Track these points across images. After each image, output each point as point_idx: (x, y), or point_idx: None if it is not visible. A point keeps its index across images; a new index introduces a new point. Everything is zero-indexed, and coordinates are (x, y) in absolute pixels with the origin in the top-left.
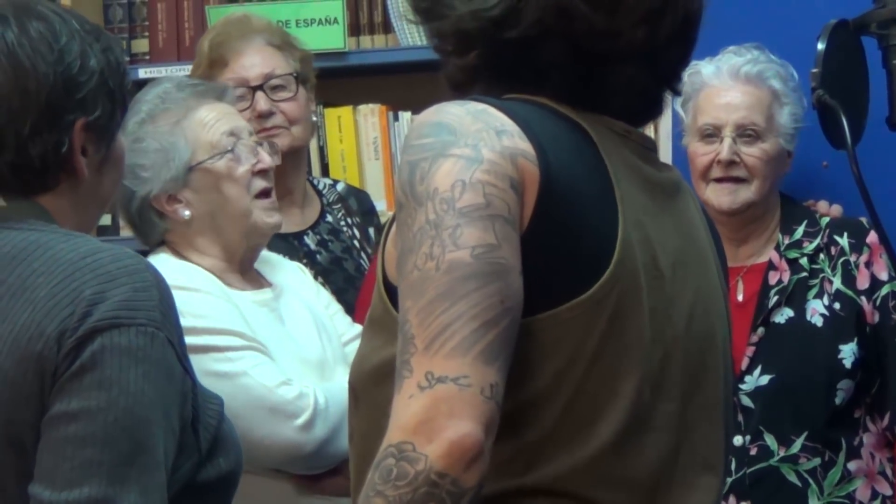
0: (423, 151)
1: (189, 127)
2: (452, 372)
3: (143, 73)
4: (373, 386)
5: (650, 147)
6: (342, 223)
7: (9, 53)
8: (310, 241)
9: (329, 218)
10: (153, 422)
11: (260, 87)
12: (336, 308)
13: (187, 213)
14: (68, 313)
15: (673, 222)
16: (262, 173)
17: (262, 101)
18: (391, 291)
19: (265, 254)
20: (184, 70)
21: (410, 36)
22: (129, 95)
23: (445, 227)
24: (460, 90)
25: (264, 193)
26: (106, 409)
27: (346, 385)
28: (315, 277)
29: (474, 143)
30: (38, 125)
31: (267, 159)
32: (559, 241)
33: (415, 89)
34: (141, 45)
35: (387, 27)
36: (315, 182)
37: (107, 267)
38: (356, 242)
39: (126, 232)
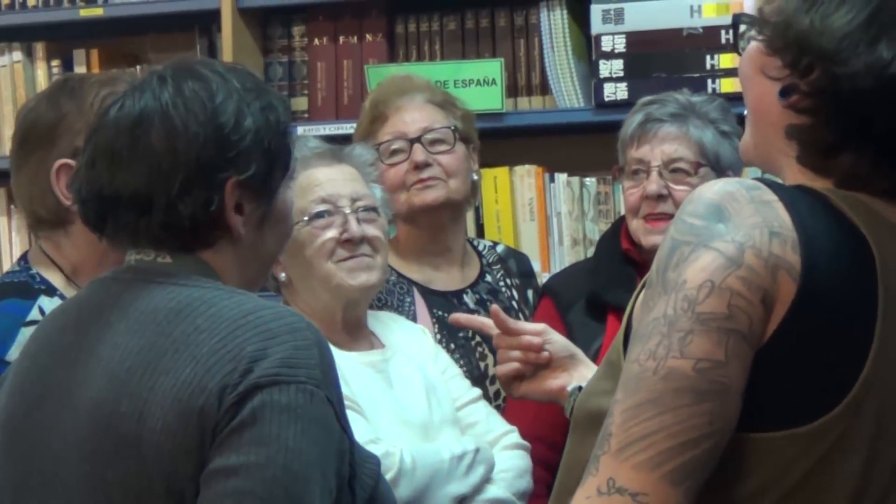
0: (689, 234)
1: None
2: (634, 486)
3: (301, 130)
4: (586, 425)
5: None
6: (501, 284)
7: (162, 114)
8: (469, 299)
9: (488, 278)
10: (311, 479)
11: (418, 140)
12: (455, 372)
13: (283, 275)
14: (230, 369)
15: None
16: (347, 243)
17: (418, 152)
18: (628, 339)
19: (385, 315)
20: (342, 128)
21: (568, 98)
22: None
23: (678, 328)
24: (823, 157)
25: (350, 257)
26: (264, 466)
27: (441, 447)
28: (472, 337)
29: (742, 241)
30: (188, 184)
31: (354, 230)
32: (795, 364)
33: (571, 151)
34: (300, 103)
35: (544, 89)
36: (475, 243)
37: (268, 324)
38: (514, 304)
39: None
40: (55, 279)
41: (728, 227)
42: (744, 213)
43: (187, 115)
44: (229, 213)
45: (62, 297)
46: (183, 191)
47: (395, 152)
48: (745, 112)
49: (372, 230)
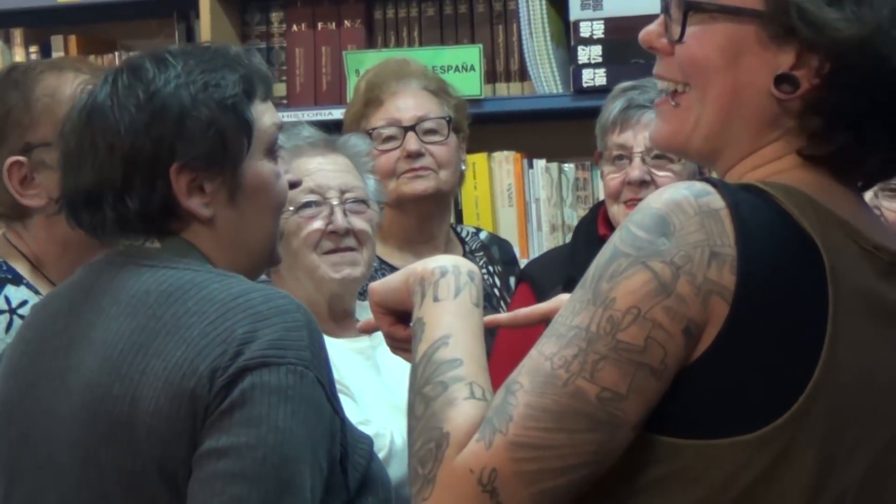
0: (631, 246)
1: None
2: (506, 496)
3: (280, 116)
4: None
5: None
6: (483, 271)
7: (100, 113)
8: None
9: None
10: (301, 460)
11: (412, 128)
12: None
13: None
14: (220, 352)
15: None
16: (332, 235)
17: (412, 142)
18: None
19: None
20: (321, 114)
21: (546, 84)
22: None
23: (594, 351)
24: (817, 144)
25: (334, 250)
26: (254, 446)
27: None
28: None
29: (680, 265)
30: (129, 177)
31: (339, 221)
32: (736, 376)
33: (550, 137)
34: (279, 89)
35: (523, 75)
36: (458, 230)
37: (258, 307)
38: (496, 291)
39: None
40: (21, 268)
41: (670, 243)
42: (688, 228)
43: (120, 111)
44: (182, 197)
45: (29, 285)
46: (126, 185)
47: (387, 139)
48: (674, 101)
49: (359, 223)
